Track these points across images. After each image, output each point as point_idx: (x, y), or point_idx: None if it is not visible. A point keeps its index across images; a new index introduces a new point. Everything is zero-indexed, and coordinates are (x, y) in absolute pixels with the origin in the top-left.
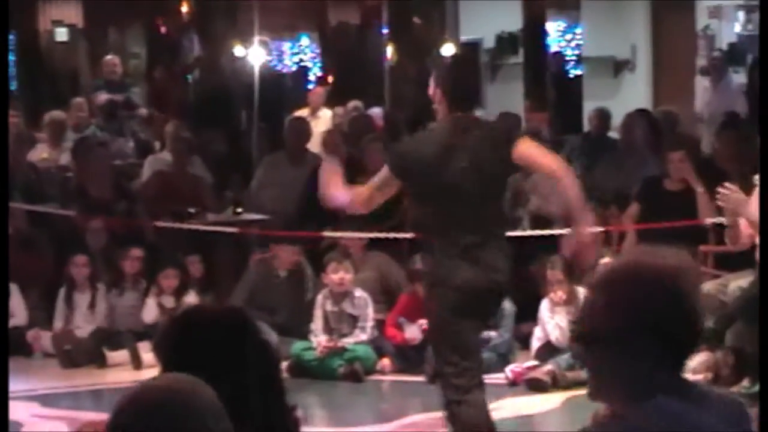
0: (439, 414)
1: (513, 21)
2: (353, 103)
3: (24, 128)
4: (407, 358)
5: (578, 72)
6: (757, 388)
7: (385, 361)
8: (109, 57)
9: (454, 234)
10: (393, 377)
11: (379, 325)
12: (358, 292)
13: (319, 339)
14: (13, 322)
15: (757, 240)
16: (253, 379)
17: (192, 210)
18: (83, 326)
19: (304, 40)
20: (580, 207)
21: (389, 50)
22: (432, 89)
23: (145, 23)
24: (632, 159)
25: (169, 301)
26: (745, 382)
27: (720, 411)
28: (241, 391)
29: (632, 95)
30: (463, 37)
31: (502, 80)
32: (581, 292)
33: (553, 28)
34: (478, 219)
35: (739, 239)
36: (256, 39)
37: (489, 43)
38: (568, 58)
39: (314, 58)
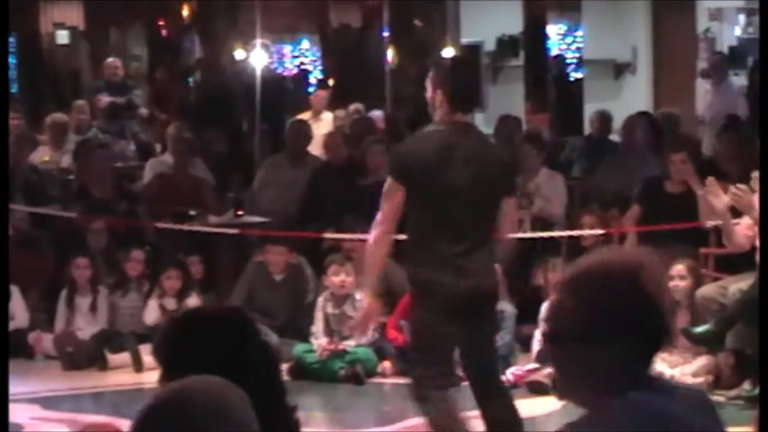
0: None
1: (514, 23)
2: (354, 106)
3: (26, 130)
4: (408, 360)
5: (579, 74)
6: (757, 390)
7: (386, 364)
8: (110, 59)
9: (449, 238)
10: (394, 380)
11: (381, 327)
12: (359, 295)
13: (320, 341)
14: (14, 325)
15: (757, 242)
16: (254, 381)
17: (193, 212)
18: (84, 328)
19: (305, 43)
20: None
21: (390, 53)
22: (431, 91)
23: (146, 25)
24: (633, 161)
25: (170, 303)
26: (746, 385)
27: (688, 402)
28: None
29: (633, 98)
30: (464, 40)
31: (503, 83)
32: None
33: (554, 30)
34: (474, 224)
35: (732, 238)
36: (258, 41)
37: (490, 45)
38: (568, 61)
39: (315, 61)
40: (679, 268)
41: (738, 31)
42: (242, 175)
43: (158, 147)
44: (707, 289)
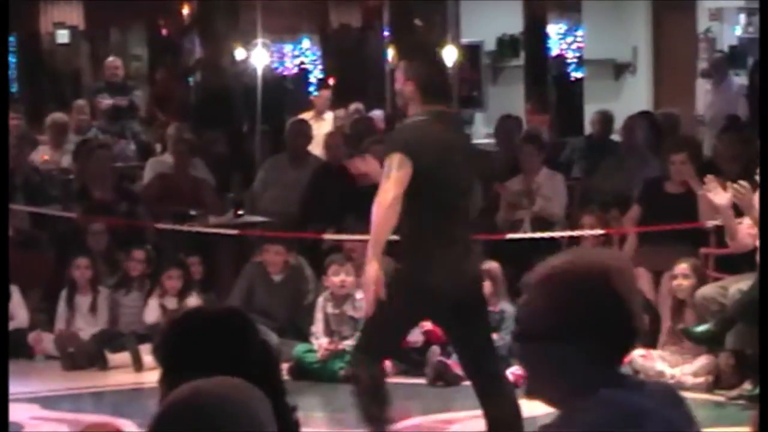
0: (441, 416)
1: (514, 23)
2: (354, 106)
3: (26, 130)
4: (409, 360)
5: (579, 74)
6: (758, 390)
7: (387, 364)
8: (111, 59)
9: (446, 231)
10: (394, 379)
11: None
12: (360, 295)
13: (320, 341)
14: (14, 324)
15: (758, 243)
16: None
17: (193, 212)
18: (84, 328)
19: (305, 43)
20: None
21: (390, 52)
22: (400, 83)
23: (146, 25)
24: (633, 161)
25: (171, 303)
26: (747, 385)
27: (658, 396)
28: None
29: (633, 98)
30: (464, 40)
31: (503, 83)
32: None
33: (554, 30)
34: (465, 218)
35: (736, 237)
36: (260, 41)
37: (490, 45)
38: (569, 61)
39: (315, 60)
40: (683, 267)
41: (738, 31)
42: (242, 176)
43: (158, 147)
44: (707, 289)
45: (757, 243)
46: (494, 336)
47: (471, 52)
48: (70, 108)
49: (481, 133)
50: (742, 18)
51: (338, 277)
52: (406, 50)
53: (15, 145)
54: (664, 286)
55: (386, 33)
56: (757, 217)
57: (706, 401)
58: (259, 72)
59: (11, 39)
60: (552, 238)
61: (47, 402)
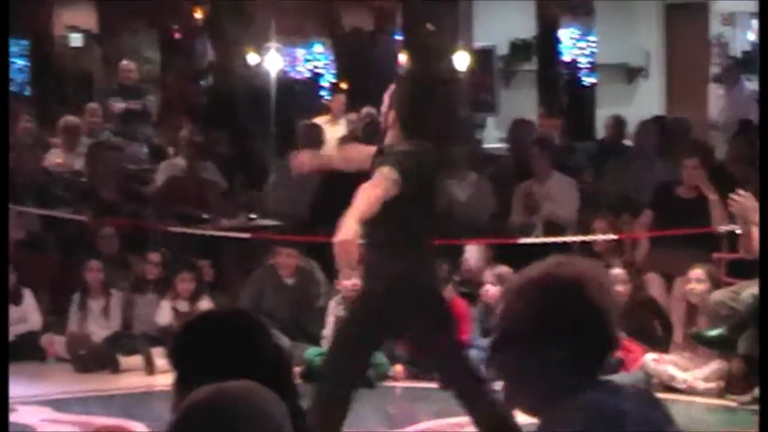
0: (452, 420)
1: (527, 28)
2: (366, 110)
3: (38, 133)
4: (420, 364)
5: (592, 79)
6: None
7: (398, 368)
8: (124, 62)
9: (417, 240)
10: (405, 383)
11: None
12: None
13: None
14: (27, 327)
15: None
16: (267, 384)
17: (205, 215)
18: (96, 331)
19: (318, 47)
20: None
21: (402, 56)
22: (386, 107)
23: (158, 28)
24: (645, 166)
25: (183, 306)
26: (757, 391)
27: (636, 399)
28: None
29: (646, 102)
30: (477, 44)
31: (516, 87)
32: None
33: (567, 35)
34: (430, 239)
35: (752, 247)
36: (273, 45)
37: (503, 49)
38: (581, 66)
39: (327, 64)
40: (697, 272)
41: (751, 36)
42: (254, 179)
43: (170, 150)
44: (719, 294)
45: None
46: None
47: (483, 56)
48: (82, 111)
49: (493, 137)
50: (755, 23)
51: (350, 280)
52: (415, 54)
53: (27, 147)
54: (676, 290)
55: (398, 37)
56: (756, 221)
57: (718, 406)
58: (273, 76)
59: (24, 42)
60: (564, 243)
61: (59, 404)
